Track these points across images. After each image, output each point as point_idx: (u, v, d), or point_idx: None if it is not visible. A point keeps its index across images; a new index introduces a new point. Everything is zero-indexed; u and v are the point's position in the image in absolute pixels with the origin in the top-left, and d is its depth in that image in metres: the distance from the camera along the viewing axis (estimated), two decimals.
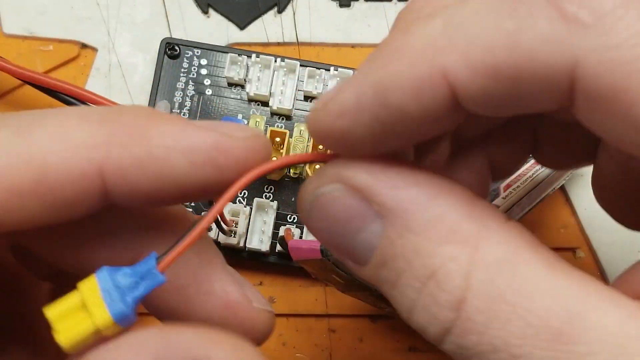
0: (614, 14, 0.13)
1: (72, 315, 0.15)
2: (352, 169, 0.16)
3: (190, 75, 0.35)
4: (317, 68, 0.34)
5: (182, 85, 0.35)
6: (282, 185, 0.34)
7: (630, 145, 0.14)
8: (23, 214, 0.15)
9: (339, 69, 0.34)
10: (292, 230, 0.33)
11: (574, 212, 0.34)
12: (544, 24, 0.14)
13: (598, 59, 0.13)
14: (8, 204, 0.15)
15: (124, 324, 0.15)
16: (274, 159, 0.18)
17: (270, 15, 0.37)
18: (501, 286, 0.14)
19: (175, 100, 0.35)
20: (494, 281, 0.14)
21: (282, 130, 0.33)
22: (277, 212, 0.34)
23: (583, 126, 0.15)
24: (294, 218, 0.34)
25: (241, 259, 0.34)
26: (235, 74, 0.34)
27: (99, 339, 0.15)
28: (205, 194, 0.17)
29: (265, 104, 0.35)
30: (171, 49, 0.35)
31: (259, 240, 0.33)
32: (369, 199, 0.15)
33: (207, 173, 0.16)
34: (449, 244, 0.15)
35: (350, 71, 0.34)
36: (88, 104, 0.34)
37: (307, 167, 0.33)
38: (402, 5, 0.37)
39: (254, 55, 0.34)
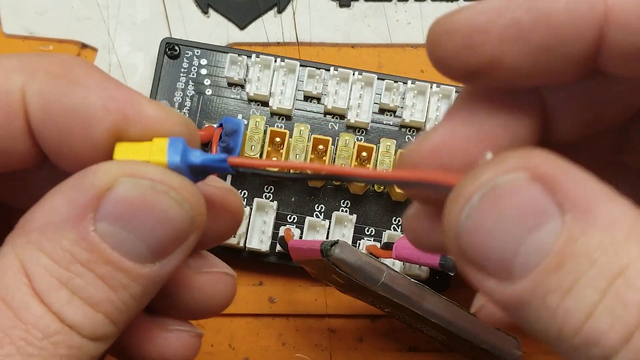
0: None
1: (135, 151, 0.17)
2: (538, 158, 0.14)
3: (190, 75, 0.35)
4: (317, 68, 0.34)
5: (182, 85, 0.35)
6: (282, 185, 0.34)
7: None
8: None
9: (339, 69, 0.34)
10: (292, 230, 0.33)
11: None
12: None
13: None
14: None
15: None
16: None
17: (270, 15, 0.37)
18: None
19: (175, 100, 0.35)
20: None
21: (282, 130, 0.33)
22: (277, 212, 0.34)
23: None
24: (294, 218, 0.34)
25: (241, 259, 0.34)
26: (235, 74, 0.34)
27: None
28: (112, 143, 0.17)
29: (265, 104, 0.35)
30: (171, 49, 0.35)
31: (259, 240, 0.33)
32: (555, 191, 0.14)
33: (117, 120, 0.17)
34: (637, 241, 0.14)
35: (350, 71, 0.34)
36: None
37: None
38: (402, 5, 0.37)
39: (254, 55, 0.34)
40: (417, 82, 0.34)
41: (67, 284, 0.16)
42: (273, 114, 0.35)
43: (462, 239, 0.15)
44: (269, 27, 0.37)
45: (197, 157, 0.17)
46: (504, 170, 0.14)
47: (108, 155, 0.17)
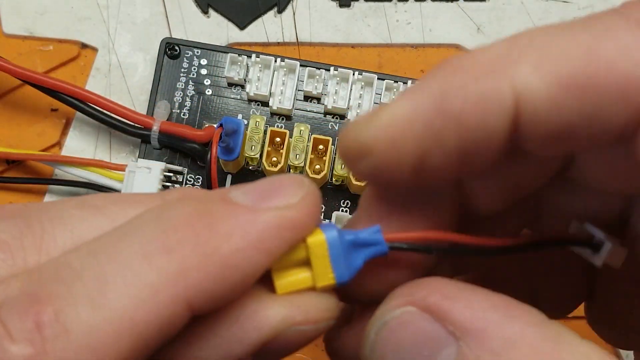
0: None
1: (294, 268, 0.16)
2: (425, 289, 0.15)
3: (190, 75, 0.35)
4: (317, 68, 0.34)
5: (182, 85, 0.35)
6: None
7: None
8: None
9: (339, 69, 0.34)
10: None
11: None
12: (625, 35, 0.13)
13: None
14: None
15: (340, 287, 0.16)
16: None
17: (270, 15, 0.37)
18: None
19: (175, 100, 0.35)
20: None
21: (282, 130, 0.33)
22: None
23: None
24: None
25: None
26: (235, 74, 0.34)
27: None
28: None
29: (265, 104, 0.35)
30: (171, 49, 0.35)
31: None
32: (443, 319, 0.15)
33: (281, 252, 0.15)
34: None
35: (350, 71, 0.34)
36: (88, 104, 0.34)
37: (307, 167, 0.33)
38: (402, 5, 0.37)
39: (254, 55, 0.34)
40: (417, 82, 0.34)
41: None
42: (273, 114, 0.35)
43: None
44: (269, 27, 0.37)
45: (359, 258, 0.16)
46: (393, 306, 0.15)
47: None
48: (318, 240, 0.16)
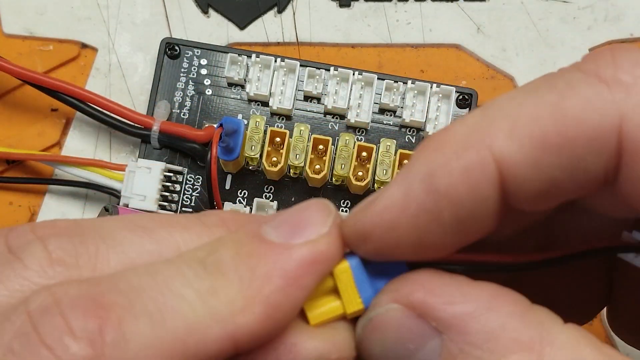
0: None
1: (323, 297, 0.17)
2: (409, 285, 0.16)
3: (190, 75, 0.35)
4: (317, 68, 0.34)
5: (182, 85, 0.35)
6: (282, 185, 0.34)
7: None
8: None
9: (339, 69, 0.34)
10: None
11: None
12: (586, 89, 0.15)
13: None
14: None
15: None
16: None
17: (270, 15, 0.37)
18: None
19: (175, 100, 0.35)
20: None
21: (282, 130, 0.33)
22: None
23: (629, 203, 0.15)
24: None
25: None
26: (235, 74, 0.34)
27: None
28: None
29: (265, 104, 0.35)
30: (171, 49, 0.35)
31: None
32: (426, 316, 0.15)
33: (315, 284, 0.16)
34: (513, 354, 0.14)
35: (350, 71, 0.34)
36: (88, 104, 0.34)
37: (307, 167, 0.33)
38: (402, 5, 0.37)
39: (254, 55, 0.34)
40: (417, 82, 0.34)
41: None
42: (273, 114, 0.35)
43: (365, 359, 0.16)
44: (269, 27, 0.37)
45: (380, 281, 0.17)
46: (377, 303, 0.16)
47: None
48: (343, 267, 0.16)
